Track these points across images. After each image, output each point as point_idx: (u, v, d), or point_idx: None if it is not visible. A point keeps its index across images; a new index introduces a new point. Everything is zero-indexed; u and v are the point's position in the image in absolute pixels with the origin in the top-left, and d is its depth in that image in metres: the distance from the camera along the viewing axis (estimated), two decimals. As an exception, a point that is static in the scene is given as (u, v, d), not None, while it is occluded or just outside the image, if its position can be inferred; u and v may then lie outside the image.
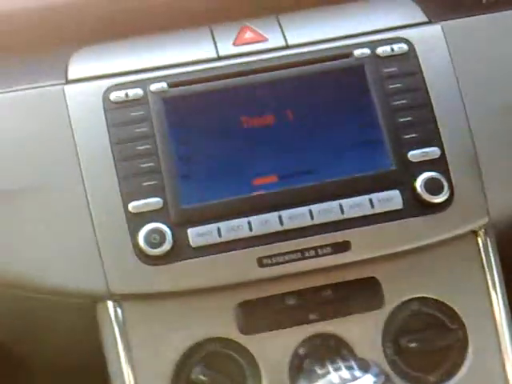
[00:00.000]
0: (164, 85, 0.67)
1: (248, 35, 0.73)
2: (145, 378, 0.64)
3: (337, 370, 0.56)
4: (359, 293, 0.67)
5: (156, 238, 0.62)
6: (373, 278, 0.67)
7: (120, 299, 0.64)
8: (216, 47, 0.71)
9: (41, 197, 0.65)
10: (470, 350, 0.67)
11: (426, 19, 0.73)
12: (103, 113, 0.66)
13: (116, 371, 0.64)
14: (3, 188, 0.65)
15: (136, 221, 0.63)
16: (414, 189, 0.65)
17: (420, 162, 0.66)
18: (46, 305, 0.67)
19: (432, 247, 0.67)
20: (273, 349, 0.65)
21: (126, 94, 0.67)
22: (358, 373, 0.55)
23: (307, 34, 0.72)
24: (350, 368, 0.56)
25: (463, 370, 0.67)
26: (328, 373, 0.56)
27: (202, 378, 0.65)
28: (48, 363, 0.82)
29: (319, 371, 0.56)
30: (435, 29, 0.72)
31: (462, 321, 0.68)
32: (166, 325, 0.65)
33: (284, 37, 0.72)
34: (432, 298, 0.68)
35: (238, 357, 0.65)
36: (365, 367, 0.56)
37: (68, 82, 0.69)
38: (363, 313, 0.66)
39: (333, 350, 0.65)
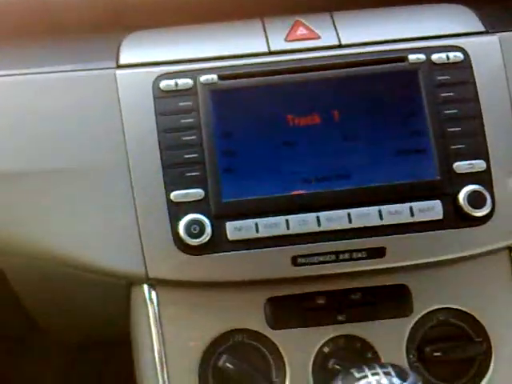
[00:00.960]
0: (214, 77, 0.68)
1: (300, 31, 0.73)
2: (174, 361, 0.66)
3: (374, 375, 0.56)
4: (388, 299, 0.68)
5: (196, 229, 0.63)
6: (403, 285, 0.68)
7: (155, 284, 0.66)
8: (267, 42, 0.71)
9: (86, 176, 0.66)
10: (494, 362, 0.68)
11: (483, 29, 0.72)
12: (152, 100, 0.67)
13: (146, 352, 0.67)
14: (51, 166, 0.67)
15: (177, 210, 0.65)
16: (457, 200, 0.65)
17: (465, 173, 0.66)
18: (80, 281, 0.70)
19: (465, 259, 0.67)
20: (299, 345, 0.67)
21: (176, 84, 0.68)
22: (396, 380, 0.55)
23: (361, 34, 0.72)
24: (388, 374, 0.56)
25: (485, 381, 0.68)
26: (365, 377, 0.56)
27: (228, 366, 0.66)
28: (72, 337, 0.85)
29: (357, 374, 0.56)
30: (492, 39, 0.71)
31: (488, 334, 0.68)
32: (197, 312, 0.67)
33: (337, 35, 0.72)
34: (460, 310, 0.68)
35: (265, 349, 0.67)
36: (403, 376, 0.56)
37: (119, 66, 0.70)
38: (391, 319, 0.67)
39: (357, 352, 0.67)
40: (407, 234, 0.65)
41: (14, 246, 0.67)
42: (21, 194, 0.66)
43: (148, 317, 0.67)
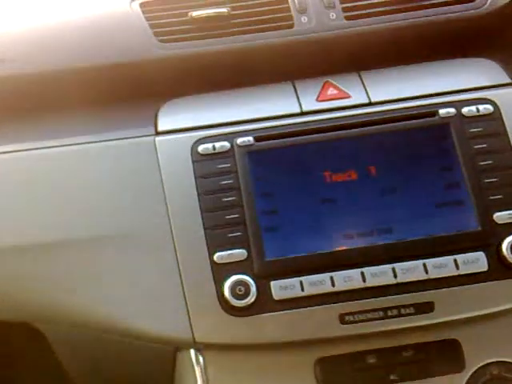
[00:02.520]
0: (250, 138, 0.69)
1: (331, 91, 0.75)
2: None
3: None
4: (440, 355, 0.66)
5: (241, 290, 0.63)
6: (455, 340, 0.67)
7: (202, 348, 0.66)
8: (299, 103, 0.73)
9: (131, 243, 0.67)
10: None
11: (509, 80, 0.74)
12: (191, 164, 0.69)
13: None
14: (97, 234, 0.68)
15: (221, 271, 0.65)
16: (500, 251, 0.65)
17: (506, 223, 0.66)
18: (125, 347, 0.69)
19: None
20: None
21: (214, 147, 0.69)
22: None
23: (390, 91, 0.74)
24: None
25: None
26: None
27: None
28: None
29: None
30: None
31: None
32: (245, 377, 0.66)
33: (367, 94, 0.73)
34: None
35: None
36: None
37: (158, 133, 0.72)
38: (444, 375, 0.66)
39: None
40: (454, 288, 0.64)
41: (61, 315, 0.67)
42: (69, 262, 0.67)
43: (195, 382, 0.65)
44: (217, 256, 0.65)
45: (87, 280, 0.67)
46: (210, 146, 0.69)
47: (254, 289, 0.63)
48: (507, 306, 0.65)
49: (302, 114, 0.72)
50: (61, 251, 0.67)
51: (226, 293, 0.63)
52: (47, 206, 0.69)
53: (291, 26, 0.75)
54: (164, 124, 0.72)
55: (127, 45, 0.74)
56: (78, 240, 0.68)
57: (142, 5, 0.76)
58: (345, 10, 0.76)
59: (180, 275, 0.65)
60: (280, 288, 0.64)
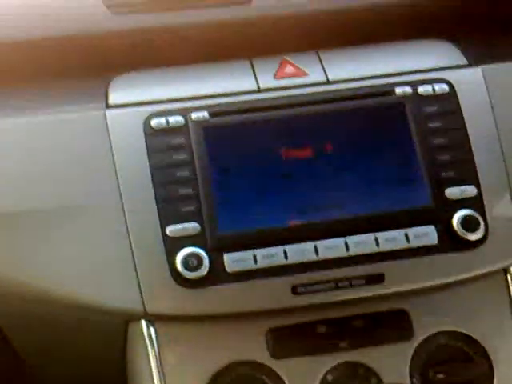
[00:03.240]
0: (205, 114, 0.69)
1: (288, 69, 0.75)
2: None
3: None
4: (389, 324, 0.68)
5: (193, 262, 0.63)
6: (403, 310, 0.68)
7: (154, 319, 0.66)
8: (257, 80, 0.73)
9: (80, 215, 0.66)
10: (496, 383, 0.68)
11: (466, 62, 0.75)
12: (144, 139, 0.68)
13: None
14: (44, 206, 0.67)
15: (173, 244, 0.65)
16: (451, 225, 0.66)
17: (457, 199, 0.67)
18: (73, 320, 0.69)
19: (462, 283, 0.68)
20: (302, 374, 0.66)
21: (167, 121, 0.69)
22: None
23: (348, 70, 0.74)
24: None
25: None
26: None
27: None
28: (61, 376, 0.83)
29: None
30: (476, 71, 0.74)
31: (488, 355, 0.68)
32: (197, 346, 0.66)
33: (325, 72, 0.74)
34: (460, 332, 0.69)
35: (268, 380, 0.66)
36: None
37: (109, 107, 0.71)
38: (392, 344, 0.67)
39: (361, 378, 0.66)
40: (404, 260, 0.65)
41: (8, 289, 0.66)
42: (13, 235, 0.66)
43: (147, 353, 0.65)
44: (169, 229, 0.65)
45: (33, 252, 0.65)
46: (163, 120, 0.68)
47: (206, 261, 0.63)
48: (455, 278, 0.67)
49: (259, 91, 0.72)
50: (8, 223, 0.66)
51: (178, 265, 0.63)
52: None
53: (249, 2, 0.75)
54: (115, 98, 0.71)
55: (78, 16, 0.73)
56: (26, 211, 0.66)
57: None
58: None
59: (131, 248, 0.65)
60: (233, 261, 0.64)
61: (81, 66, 0.73)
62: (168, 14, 0.74)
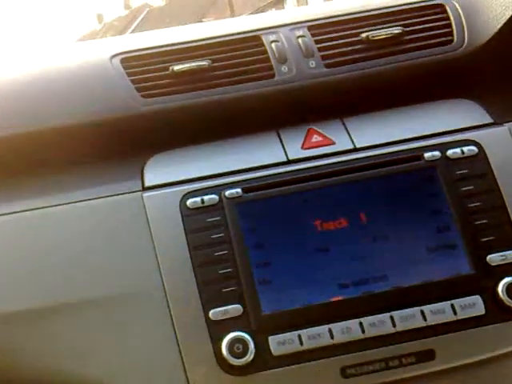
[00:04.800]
0: (238, 190, 0.69)
1: (315, 139, 0.75)
2: None
3: None
4: None
5: (239, 348, 0.62)
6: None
7: None
8: (285, 151, 0.73)
9: (121, 303, 0.66)
10: None
11: (491, 120, 0.75)
12: (181, 219, 0.68)
13: None
14: (86, 296, 0.66)
15: (217, 329, 0.64)
16: (496, 294, 0.65)
17: (499, 265, 0.66)
18: None
19: None
20: None
21: (202, 200, 0.68)
22: None
23: (374, 136, 0.74)
24: None
25: None
26: None
27: None
28: None
29: None
30: (502, 130, 0.74)
31: None
32: None
33: (351, 139, 0.74)
34: None
35: None
36: None
37: (145, 188, 0.71)
38: None
39: None
40: (453, 333, 0.64)
41: (50, 377, 0.65)
42: (58, 328, 0.65)
43: None
44: (212, 313, 0.64)
45: (76, 346, 0.65)
46: (198, 199, 0.68)
47: (252, 345, 0.62)
48: (506, 350, 0.65)
49: (289, 162, 0.73)
50: (49, 317, 0.65)
51: (224, 351, 0.62)
52: (33, 270, 0.67)
53: (272, 76, 0.76)
54: (151, 179, 0.72)
55: (110, 102, 0.73)
56: (66, 304, 0.66)
57: (122, 60, 0.76)
58: (324, 57, 0.77)
59: (175, 334, 0.64)
60: (278, 343, 0.63)
61: (116, 150, 0.73)
62: (195, 93, 0.74)
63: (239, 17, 0.93)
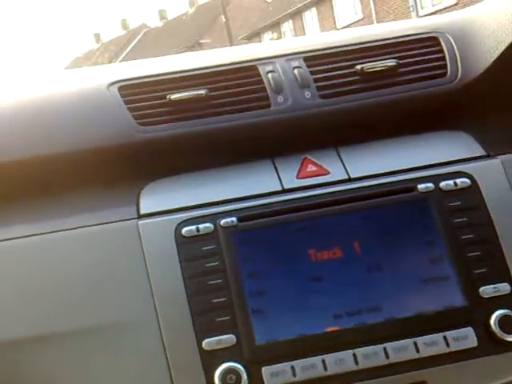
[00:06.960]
0: (233, 219, 0.69)
1: (310, 168, 0.76)
2: None
3: None
4: None
5: (232, 379, 0.62)
6: None
7: None
8: (280, 180, 0.74)
9: (114, 333, 0.65)
10: None
11: (484, 153, 0.76)
12: (176, 247, 0.68)
13: None
14: (78, 326, 0.66)
15: (210, 359, 0.63)
16: (488, 326, 0.65)
17: (492, 297, 0.67)
18: None
19: None
20: None
21: (197, 229, 0.69)
22: None
23: (369, 166, 0.75)
24: None
25: None
26: None
27: None
28: None
29: None
30: (495, 162, 0.74)
31: None
32: None
33: (346, 170, 0.75)
34: None
35: None
36: None
37: (140, 216, 0.71)
38: None
39: None
40: (445, 365, 0.64)
41: None
42: (51, 357, 0.65)
43: None
44: (205, 343, 0.64)
45: (70, 375, 0.64)
46: (193, 227, 0.69)
47: (245, 376, 0.62)
48: (498, 382, 0.66)
49: (284, 191, 0.73)
50: (43, 346, 0.65)
51: (217, 382, 0.62)
52: (24, 298, 0.67)
53: (268, 106, 0.76)
54: (146, 206, 0.72)
55: (107, 129, 0.74)
56: (58, 333, 0.65)
57: (120, 88, 0.76)
58: (319, 88, 0.78)
59: (168, 363, 0.64)
60: (272, 374, 0.63)
61: (111, 177, 0.74)
62: (192, 122, 0.74)
63: (236, 46, 0.93)
